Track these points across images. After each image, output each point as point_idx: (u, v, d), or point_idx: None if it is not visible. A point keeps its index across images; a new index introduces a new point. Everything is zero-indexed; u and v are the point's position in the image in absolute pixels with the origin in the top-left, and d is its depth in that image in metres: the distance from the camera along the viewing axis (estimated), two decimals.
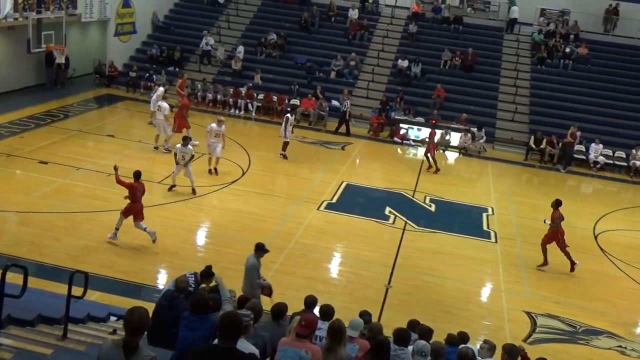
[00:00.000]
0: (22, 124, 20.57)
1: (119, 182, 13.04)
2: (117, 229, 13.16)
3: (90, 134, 20.78)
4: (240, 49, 28.55)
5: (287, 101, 25.98)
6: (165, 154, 19.27)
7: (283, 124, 20.38)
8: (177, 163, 16.19)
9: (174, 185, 16.43)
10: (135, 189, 12.99)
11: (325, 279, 13.05)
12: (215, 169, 18.05)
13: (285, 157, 20.39)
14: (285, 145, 20.47)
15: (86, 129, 21.15)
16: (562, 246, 14.31)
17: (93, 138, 20.56)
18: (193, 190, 16.42)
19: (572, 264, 14.36)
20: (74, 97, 25.24)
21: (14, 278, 7.70)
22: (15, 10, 21.64)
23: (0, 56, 23.81)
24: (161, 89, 21.93)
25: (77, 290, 8.01)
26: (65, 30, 23.85)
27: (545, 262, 14.43)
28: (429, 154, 21.08)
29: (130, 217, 13.12)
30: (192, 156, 16.22)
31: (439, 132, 24.16)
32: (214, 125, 17.85)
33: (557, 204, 14.36)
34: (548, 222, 14.28)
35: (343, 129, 24.62)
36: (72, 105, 24.26)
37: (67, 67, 26.33)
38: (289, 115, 20.74)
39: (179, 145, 16.12)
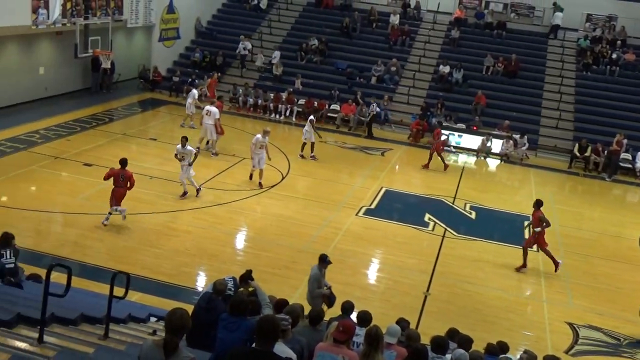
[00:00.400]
0: (68, 127, 21.07)
1: (106, 178, 14.17)
2: (110, 213, 13.97)
3: (133, 138, 21.15)
4: (277, 54, 28.75)
5: (327, 106, 26.02)
6: (213, 157, 19.64)
7: (308, 126, 20.69)
8: (182, 165, 16.06)
9: (198, 189, 16.44)
10: (117, 174, 13.91)
11: (362, 285, 13.00)
12: (260, 183, 17.51)
13: (315, 157, 20.76)
14: (312, 146, 20.84)
15: (130, 133, 21.54)
16: (543, 246, 14.20)
17: (136, 141, 20.92)
18: (197, 190, 16.31)
19: (556, 264, 14.21)
20: (118, 101, 25.76)
21: (58, 277, 7.88)
22: (63, 16, 22.19)
23: (49, 61, 24.46)
24: (194, 91, 22.20)
25: (118, 291, 8.14)
26: (111, 36, 24.35)
27: (525, 265, 14.27)
28: (434, 153, 21.24)
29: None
30: (196, 155, 16.13)
31: (479, 138, 23.94)
32: (259, 136, 17.34)
33: (538, 204, 14.26)
34: (527, 222, 14.11)
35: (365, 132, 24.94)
36: (116, 109, 24.76)
37: (113, 71, 26.90)
38: (312, 117, 21.30)
39: (178, 146, 15.98)
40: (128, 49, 29.20)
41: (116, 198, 13.98)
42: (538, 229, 14.12)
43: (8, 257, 9.01)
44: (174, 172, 18.02)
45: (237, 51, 29.02)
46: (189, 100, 22.68)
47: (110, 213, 13.96)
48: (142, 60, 29.02)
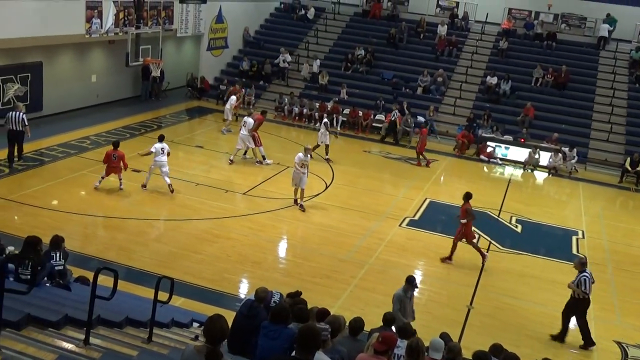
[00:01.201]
0: (118, 133, 21.54)
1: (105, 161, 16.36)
2: (102, 178, 16.35)
3: (180, 145, 21.49)
4: (317, 62, 28.98)
5: (372, 116, 26.00)
6: (258, 166, 19.92)
7: (322, 129, 21.12)
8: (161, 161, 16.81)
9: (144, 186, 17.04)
10: (109, 155, 16.22)
11: None
12: (302, 205, 16.64)
13: (330, 160, 21.20)
14: (327, 148, 21.28)
15: (177, 140, 21.88)
16: (469, 238, 14.34)
17: (183, 148, 21.26)
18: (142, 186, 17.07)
19: (483, 257, 14.35)
20: (166, 109, 26.25)
21: (104, 280, 8.05)
22: (115, 25, 22.81)
23: (101, 69, 25.11)
24: (234, 97, 22.36)
25: (162, 295, 8.26)
26: (161, 45, 24.86)
27: (450, 258, 14.39)
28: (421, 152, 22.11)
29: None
30: (168, 153, 16.86)
31: (527, 151, 23.55)
32: (301, 155, 16.54)
33: (467, 197, 14.37)
34: (458, 214, 14.42)
35: (391, 138, 24.99)
36: (164, 117, 25.23)
37: (162, 80, 27.44)
38: (326, 119, 22.03)
39: (157, 145, 16.81)
40: (177, 58, 29.77)
41: (107, 172, 16.32)
42: (464, 221, 14.16)
43: (58, 259, 9.24)
44: (219, 180, 18.29)
45: (276, 62, 29.28)
46: (227, 106, 23.02)
47: (102, 178, 16.33)
48: (191, 69, 29.53)
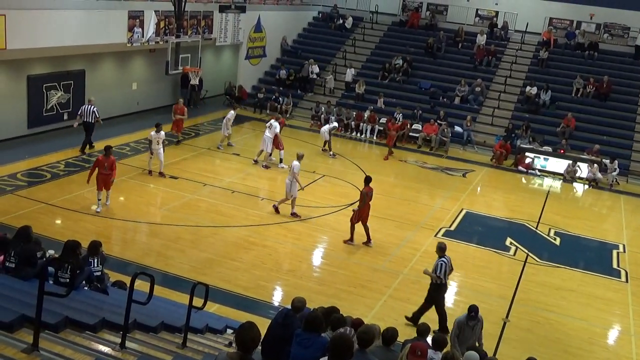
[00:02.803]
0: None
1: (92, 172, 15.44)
2: (99, 200, 15.33)
3: (217, 152, 21.72)
4: (351, 71, 29.04)
5: (409, 126, 25.88)
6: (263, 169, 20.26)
7: (328, 129, 22.71)
8: (151, 151, 17.93)
9: (150, 171, 18.29)
10: (102, 163, 15.16)
11: None
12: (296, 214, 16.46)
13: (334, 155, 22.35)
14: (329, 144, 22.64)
15: (214, 148, 22.13)
16: (364, 221, 14.87)
17: (220, 156, 21.47)
18: (160, 173, 18.17)
19: (368, 239, 14.99)
20: (204, 117, 26.55)
21: (141, 285, 8.17)
22: (156, 34, 23.21)
23: (141, 77, 25.56)
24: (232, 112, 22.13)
25: (197, 301, 8.34)
26: (200, 54, 25.19)
27: (351, 239, 14.98)
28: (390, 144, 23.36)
29: None
30: (164, 141, 18.10)
31: (566, 162, 23.15)
32: (297, 163, 16.54)
33: (366, 180, 15.01)
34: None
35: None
36: (202, 124, 25.54)
37: (201, 88, 27.79)
38: (336, 124, 23.80)
39: (153, 133, 17.91)
40: (216, 66, 30.12)
41: (98, 185, 15.22)
42: (361, 203, 14.86)
43: (96, 265, 9.40)
44: (256, 187, 18.44)
45: (305, 74, 29.37)
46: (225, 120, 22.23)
47: (99, 199, 15.31)
48: (229, 77, 29.84)
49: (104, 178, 15.22)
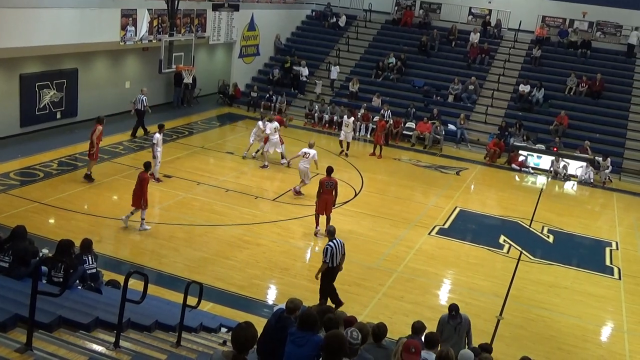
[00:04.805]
0: (150, 139, 21.77)
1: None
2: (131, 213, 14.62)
3: (211, 151, 21.70)
4: (337, 68, 29.09)
5: (403, 124, 25.89)
6: (263, 169, 20.23)
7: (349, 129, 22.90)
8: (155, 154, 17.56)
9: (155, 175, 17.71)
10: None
11: (432, 306, 12.78)
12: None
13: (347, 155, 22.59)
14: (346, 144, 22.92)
15: (208, 146, 22.11)
16: (321, 211, 15.03)
17: (214, 155, 21.45)
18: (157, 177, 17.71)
19: (316, 228, 15.21)
20: (198, 116, 26.51)
21: (135, 284, 8.16)
22: (149, 33, 23.15)
23: (134, 75, 25.48)
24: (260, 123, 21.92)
25: (191, 300, 8.34)
26: (193, 52, 25.13)
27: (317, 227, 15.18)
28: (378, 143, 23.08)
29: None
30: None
31: (559, 160, 23.21)
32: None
33: (328, 171, 15.29)
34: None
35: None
36: (196, 123, 25.50)
37: (194, 86, 27.73)
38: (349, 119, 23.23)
39: (159, 135, 17.79)
40: (209, 65, 30.05)
41: (134, 202, 14.50)
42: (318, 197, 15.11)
43: (90, 262, 9.39)
44: (249, 186, 18.41)
45: (293, 73, 29.34)
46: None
47: (131, 213, 14.63)
48: (222, 76, 29.79)
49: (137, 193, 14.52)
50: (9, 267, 8.34)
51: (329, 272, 11.63)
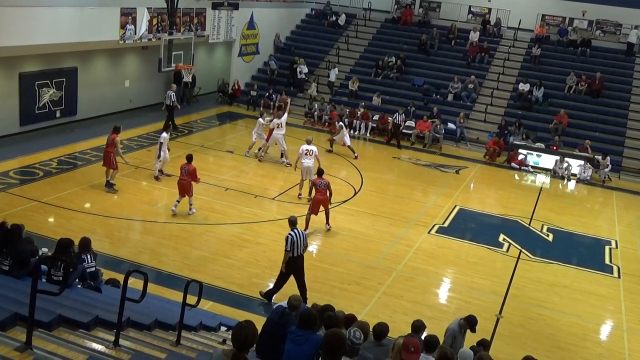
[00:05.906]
0: (149, 138, 21.81)
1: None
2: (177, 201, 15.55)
3: (211, 150, 21.69)
4: (335, 71, 29.04)
5: (403, 123, 25.87)
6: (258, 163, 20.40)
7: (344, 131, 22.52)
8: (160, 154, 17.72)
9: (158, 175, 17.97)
10: (182, 167, 15.49)
11: (432, 304, 12.80)
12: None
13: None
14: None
15: (207, 145, 22.11)
16: (314, 212, 15.19)
17: (213, 153, 21.44)
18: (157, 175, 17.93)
19: (306, 225, 14.97)
20: (197, 114, 26.51)
21: (134, 283, 8.16)
22: (149, 31, 23.14)
23: (134, 74, 25.48)
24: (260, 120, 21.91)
25: (191, 299, 8.34)
26: (193, 51, 25.11)
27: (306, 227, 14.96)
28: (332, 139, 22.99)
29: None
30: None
31: (552, 158, 23.17)
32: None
33: (318, 172, 15.63)
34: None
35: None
36: (195, 122, 25.49)
37: (194, 85, 27.72)
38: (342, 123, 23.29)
39: (166, 134, 18.00)
40: (208, 64, 30.04)
41: (180, 192, 15.50)
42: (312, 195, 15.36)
43: (89, 261, 9.39)
44: (249, 185, 18.40)
45: (295, 74, 29.30)
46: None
47: (178, 201, 15.54)
48: (222, 75, 29.78)
49: (182, 184, 15.37)
50: (9, 270, 8.36)
51: (291, 261, 11.69)
